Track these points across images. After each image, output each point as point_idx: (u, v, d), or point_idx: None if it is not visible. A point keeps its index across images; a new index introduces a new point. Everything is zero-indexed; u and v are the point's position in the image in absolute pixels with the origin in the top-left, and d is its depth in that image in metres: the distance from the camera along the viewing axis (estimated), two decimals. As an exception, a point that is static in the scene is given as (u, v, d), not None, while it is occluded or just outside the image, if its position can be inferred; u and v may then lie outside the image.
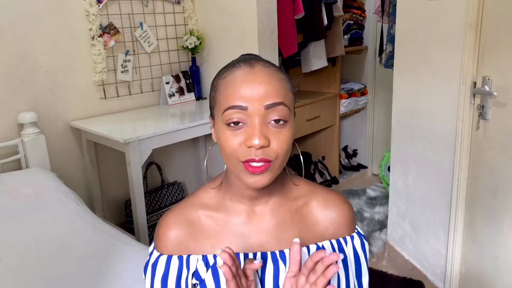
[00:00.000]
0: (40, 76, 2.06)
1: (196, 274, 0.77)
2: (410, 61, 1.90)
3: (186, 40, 2.51)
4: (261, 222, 0.78)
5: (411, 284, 2.06)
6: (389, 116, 2.19)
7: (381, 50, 2.83)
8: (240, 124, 0.68)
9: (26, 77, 2.01)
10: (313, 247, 0.78)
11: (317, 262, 0.69)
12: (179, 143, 2.35)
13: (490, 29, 1.55)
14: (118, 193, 2.44)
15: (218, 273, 0.75)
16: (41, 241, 1.49)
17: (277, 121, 0.69)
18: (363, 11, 3.23)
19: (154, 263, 0.78)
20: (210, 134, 2.28)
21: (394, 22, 2.11)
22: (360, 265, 0.82)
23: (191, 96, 2.62)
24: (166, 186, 2.58)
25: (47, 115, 2.09)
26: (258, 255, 0.77)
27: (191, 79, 2.63)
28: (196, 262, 0.77)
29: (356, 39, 3.22)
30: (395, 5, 2.13)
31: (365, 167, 3.54)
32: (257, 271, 0.76)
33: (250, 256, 0.76)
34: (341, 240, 0.80)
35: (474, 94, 1.64)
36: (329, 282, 0.67)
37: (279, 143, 0.69)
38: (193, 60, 2.65)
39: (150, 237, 2.10)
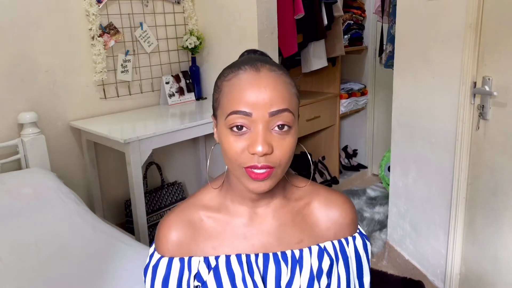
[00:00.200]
0: (40, 76, 2.06)
1: (197, 276, 0.77)
2: (410, 61, 1.90)
3: (186, 40, 2.51)
4: (263, 224, 0.78)
5: (411, 284, 2.06)
6: (389, 116, 2.19)
7: (381, 50, 2.83)
8: (244, 129, 0.68)
9: (26, 77, 2.01)
10: (314, 248, 0.78)
11: None
12: (179, 143, 2.35)
13: (490, 29, 1.55)
14: (118, 193, 2.44)
15: (220, 275, 0.75)
16: (41, 241, 1.49)
17: (281, 127, 0.68)
18: (363, 11, 3.23)
19: (154, 265, 0.78)
20: (210, 134, 2.30)
21: (394, 22, 2.11)
22: (362, 265, 0.82)
23: (191, 96, 2.62)
24: (166, 186, 2.58)
25: (47, 115, 2.09)
26: (260, 256, 0.76)
27: (191, 79, 2.63)
28: (197, 264, 0.76)
29: (356, 39, 3.22)
30: (395, 5, 2.13)
31: (365, 167, 3.54)
32: (259, 272, 0.75)
33: (252, 257, 0.76)
34: (343, 240, 0.80)
35: (474, 94, 1.64)
36: (329, 281, 0.67)
37: (282, 150, 0.68)
38: (193, 60, 2.65)
39: (150, 237, 2.10)
